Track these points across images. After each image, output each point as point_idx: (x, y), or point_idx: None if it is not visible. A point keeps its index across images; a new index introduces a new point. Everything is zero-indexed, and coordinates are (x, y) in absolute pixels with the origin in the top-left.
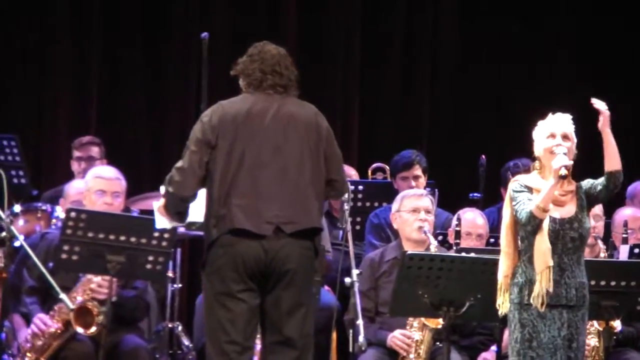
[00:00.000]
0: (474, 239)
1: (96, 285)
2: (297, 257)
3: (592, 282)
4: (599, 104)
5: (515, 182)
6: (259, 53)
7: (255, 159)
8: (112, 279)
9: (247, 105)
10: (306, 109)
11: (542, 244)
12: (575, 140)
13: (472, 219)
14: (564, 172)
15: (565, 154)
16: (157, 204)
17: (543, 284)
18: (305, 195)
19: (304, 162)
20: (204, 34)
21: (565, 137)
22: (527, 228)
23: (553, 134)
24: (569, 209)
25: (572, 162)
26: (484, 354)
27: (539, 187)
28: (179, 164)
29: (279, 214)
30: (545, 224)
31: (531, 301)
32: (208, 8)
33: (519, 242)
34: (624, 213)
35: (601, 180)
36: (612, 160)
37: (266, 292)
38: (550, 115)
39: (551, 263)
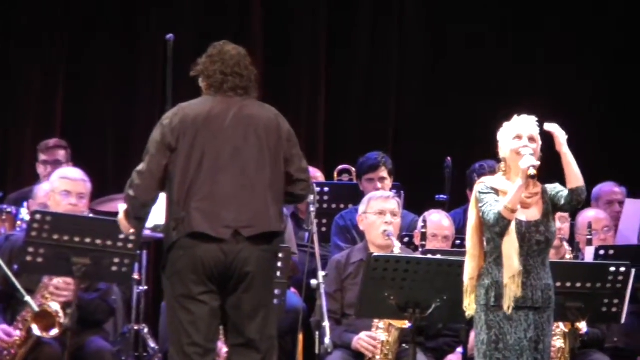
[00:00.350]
0: (440, 240)
1: (53, 287)
2: (257, 260)
3: (558, 284)
4: (551, 127)
5: (481, 184)
6: (218, 54)
7: (214, 162)
8: (75, 281)
9: (207, 107)
10: (266, 110)
11: (511, 249)
12: (540, 142)
13: (438, 220)
14: (532, 171)
15: (531, 154)
16: (123, 206)
17: (513, 288)
18: (264, 199)
19: (263, 165)
20: (169, 36)
21: (531, 138)
22: (496, 229)
23: (519, 135)
24: (535, 212)
25: (539, 163)
26: (450, 356)
27: (505, 189)
28: (140, 167)
29: (238, 218)
30: (512, 227)
31: (502, 303)
32: (173, 9)
33: (485, 244)
34: (587, 215)
35: (565, 193)
36: (573, 178)
37: (227, 295)
38: (515, 117)
39: (520, 268)
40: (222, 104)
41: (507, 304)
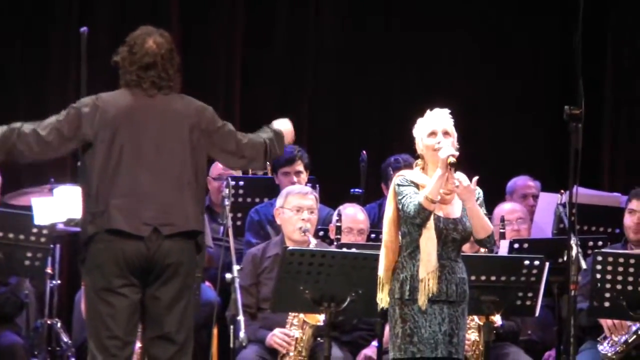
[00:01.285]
0: (355, 234)
1: None
2: (178, 252)
3: (473, 277)
4: (459, 180)
5: (400, 177)
6: (139, 46)
7: (135, 158)
8: None
9: (128, 102)
10: (188, 105)
11: (430, 245)
12: (455, 134)
13: (353, 214)
14: (452, 159)
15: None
16: (36, 200)
17: (429, 285)
18: (185, 196)
19: (184, 162)
20: (83, 28)
21: (446, 133)
22: (416, 221)
23: (434, 131)
24: (454, 210)
25: (457, 153)
26: (365, 350)
27: (423, 183)
28: (44, 133)
29: (157, 216)
30: (431, 223)
31: (417, 297)
32: (87, 1)
33: (400, 237)
34: (502, 208)
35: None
36: (480, 229)
37: (146, 287)
38: (428, 112)
39: (437, 266)
40: (144, 99)
41: (422, 299)
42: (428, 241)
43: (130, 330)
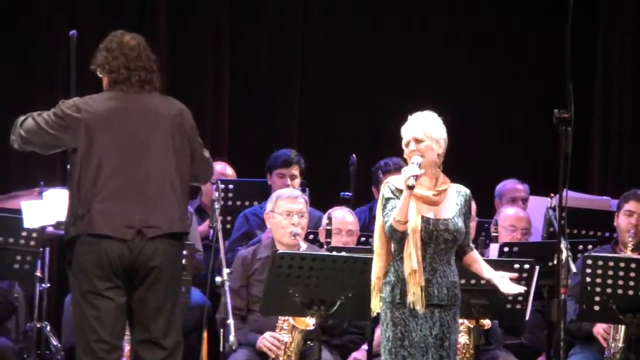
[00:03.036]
0: (344, 235)
1: None
2: (162, 254)
3: (463, 281)
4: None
5: (387, 186)
6: (119, 47)
7: (118, 160)
8: None
9: (112, 104)
10: (171, 106)
11: (412, 246)
12: (433, 137)
13: (341, 216)
14: (411, 182)
15: (419, 163)
16: (25, 203)
17: (412, 288)
18: (169, 198)
19: (168, 164)
20: (72, 32)
21: (416, 140)
22: (392, 240)
23: (407, 141)
24: (445, 210)
25: (422, 172)
26: (354, 353)
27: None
28: (32, 129)
29: (141, 218)
30: (418, 224)
31: (408, 301)
32: (75, 4)
33: (392, 243)
34: (507, 214)
35: (470, 250)
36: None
37: (133, 290)
38: (409, 117)
39: (415, 267)
40: (127, 101)
41: (410, 299)
42: (411, 242)
43: (118, 334)
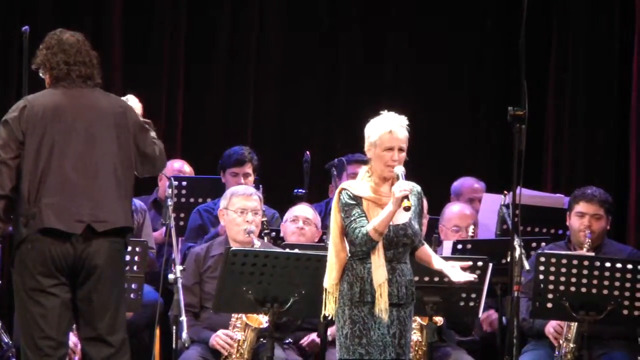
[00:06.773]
0: (301, 223)
1: None
2: (106, 253)
3: (416, 278)
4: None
5: (344, 192)
6: (58, 44)
7: (64, 157)
8: None
9: (54, 100)
10: (114, 102)
11: (379, 261)
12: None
13: (300, 207)
14: (406, 203)
15: (403, 172)
16: None
17: (383, 296)
18: (115, 193)
19: (112, 158)
20: (25, 27)
21: (401, 150)
22: (363, 248)
23: (391, 147)
24: (403, 214)
25: (411, 187)
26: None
27: (369, 196)
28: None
29: (90, 212)
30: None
31: (366, 299)
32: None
33: (348, 245)
34: (453, 211)
35: (421, 245)
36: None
37: (77, 287)
38: (385, 114)
39: (386, 278)
40: (69, 97)
41: (378, 307)
42: (377, 257)
43: (63, 330)
